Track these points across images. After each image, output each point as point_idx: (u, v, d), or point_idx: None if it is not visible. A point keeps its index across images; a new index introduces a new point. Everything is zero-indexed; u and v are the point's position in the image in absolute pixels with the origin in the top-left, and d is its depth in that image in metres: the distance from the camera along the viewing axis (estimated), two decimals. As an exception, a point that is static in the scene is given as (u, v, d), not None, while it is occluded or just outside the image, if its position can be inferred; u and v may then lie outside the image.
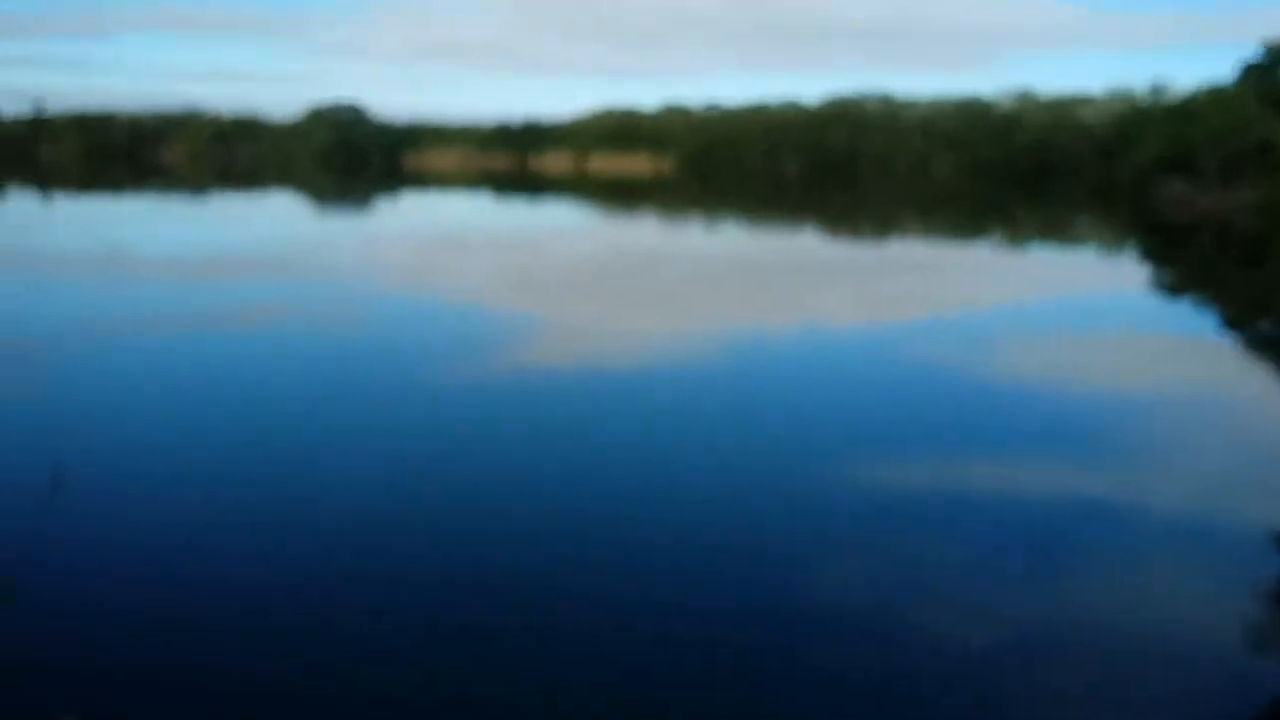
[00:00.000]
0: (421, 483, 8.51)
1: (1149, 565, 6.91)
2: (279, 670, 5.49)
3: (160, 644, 5.76)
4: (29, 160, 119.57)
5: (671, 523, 7.58)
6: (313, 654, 5.64)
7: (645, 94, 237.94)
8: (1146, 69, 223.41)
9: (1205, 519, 7.76)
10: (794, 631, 5.91)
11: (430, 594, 6.37)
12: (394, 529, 7.48)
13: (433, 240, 32.83)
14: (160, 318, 16.47)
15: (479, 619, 6.03)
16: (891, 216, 48.99)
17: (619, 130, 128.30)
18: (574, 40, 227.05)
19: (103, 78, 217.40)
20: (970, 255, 30.66)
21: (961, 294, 20.81)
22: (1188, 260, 29.92)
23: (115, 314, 17.03)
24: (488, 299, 19.16)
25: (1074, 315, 18.40)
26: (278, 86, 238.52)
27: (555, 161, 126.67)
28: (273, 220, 42.61)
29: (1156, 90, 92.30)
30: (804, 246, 32.99)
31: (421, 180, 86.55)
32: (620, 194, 67.15)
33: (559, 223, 42.38)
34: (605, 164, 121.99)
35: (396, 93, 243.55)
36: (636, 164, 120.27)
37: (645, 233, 37.72)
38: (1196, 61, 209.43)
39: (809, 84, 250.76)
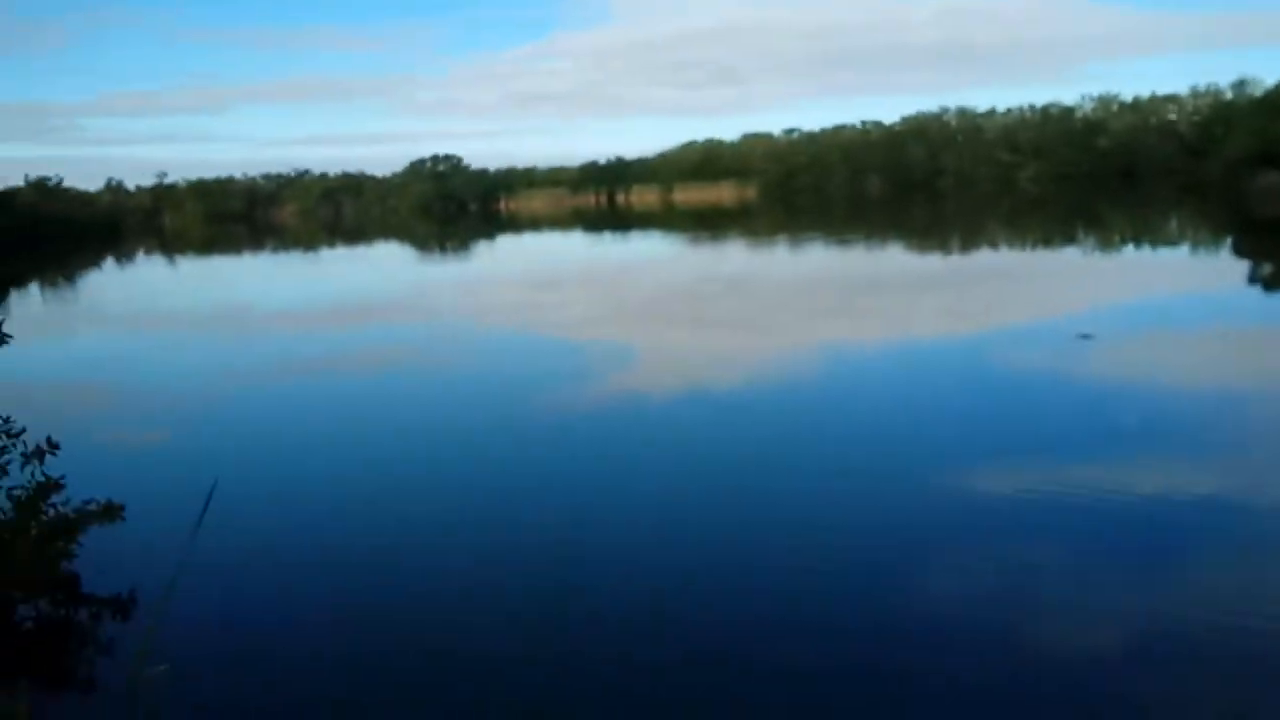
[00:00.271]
0: (569, 497, 9.02)
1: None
2: (421, 663, 6.11)
3: (302, 637, 6.60)
4: (154, 227, 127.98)
5: (808, 528, 7.80)
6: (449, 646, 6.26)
7: (727, 130, 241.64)
8: (1228, 69, 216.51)
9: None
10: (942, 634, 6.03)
11: (564, 598, 6.81)
12: (531, 543, 7.93)
13: (534, 278, 34.15)
14: (294, 362, 18.13)
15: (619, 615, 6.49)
16: (978, 228, 48.18)
17: (702, 161, 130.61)
18: (655, 83, 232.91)
19: (220, 145, 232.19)
20: (1061, 260, 30.18)
21: (1050, 300, 20.45)
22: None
23: (253, 361, 18.80)
24: (600, 326, 20.31)
25: (1177, 313, 18.18)
26: (381, 146, 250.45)
27: (642, 196, 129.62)
28: (382, 270, 44.77)
29: (1242, 85, 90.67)
30: (900, 262, 32.50)
31: (516, 222, 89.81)
32: (707, 223, 68.12)
33: (651, 254, 43.12)
34: (690, 195, 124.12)
35: (490, 142, 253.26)
36: (721, 193, 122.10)
37: (735, 257, 38.20)
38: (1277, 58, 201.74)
39: (886, 109, 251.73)
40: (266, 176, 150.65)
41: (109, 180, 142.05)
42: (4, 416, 7.67)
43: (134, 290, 41.10)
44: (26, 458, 7.47)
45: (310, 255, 59.00)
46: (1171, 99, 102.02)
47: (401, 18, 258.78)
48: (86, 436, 12.14)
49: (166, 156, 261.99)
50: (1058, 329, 16.08)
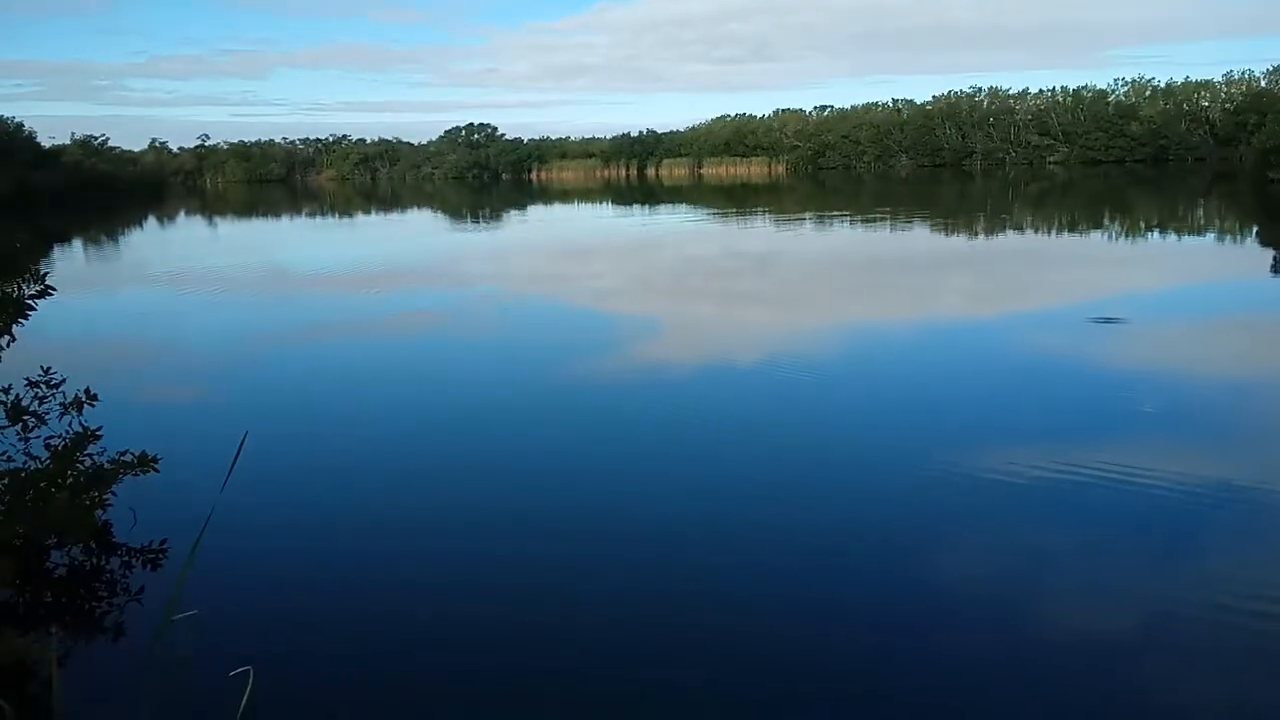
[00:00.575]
0: (605, 462, 9.27)
1: None
2: (448, 618, 6.21)
3: (328, 589, 6.69)
4: (195, 188, 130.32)
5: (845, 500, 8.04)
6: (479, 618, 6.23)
7: (759, 106, 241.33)
8: (1264, 55, 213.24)
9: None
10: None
11: (596, 565, 6.96)
12: (560, 504, 8.13)
13: (565, 248, 34.56)
14: (329, 323, 18.36)
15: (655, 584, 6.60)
16: (1007, 210, 48.03)
17: (733, 136, 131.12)
18: (690, 59, 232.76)
19: (261, 109, 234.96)
20: (1086, 245, 30.16)
21: (1073, 284, 20.47)
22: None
23: (287, 321, 19.04)
24: (630, 299, 20.52)
25: (1200, 300, 18.31)
26: (417, 114, 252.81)
27: (672, 170, 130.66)
28: (417, 236, 45.00)
29: (1277, 72, 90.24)
30: (927, 242, 32.66)
31: (548, 192, 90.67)
32: (736, 197, 68.67)
33: (679, 227, 43.12)
34: (720, 170, 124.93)
35: (525, 114, 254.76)
36: (751, 168, 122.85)
37: (762, 233, 38.34)
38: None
39: (918, 89, 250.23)
40: (305, 141, 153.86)
41: (153, 141, 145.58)
42: (45, 367, 7.73)
43: (174, 249, 41.69)
44: (65, 408, 7.56)
45: (346, 220, 59.49)
46: (1205, 85, 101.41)
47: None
48: (124, 389, 12.42)
49: (209, 119, 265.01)
50: (1079, 313, 16.29)
